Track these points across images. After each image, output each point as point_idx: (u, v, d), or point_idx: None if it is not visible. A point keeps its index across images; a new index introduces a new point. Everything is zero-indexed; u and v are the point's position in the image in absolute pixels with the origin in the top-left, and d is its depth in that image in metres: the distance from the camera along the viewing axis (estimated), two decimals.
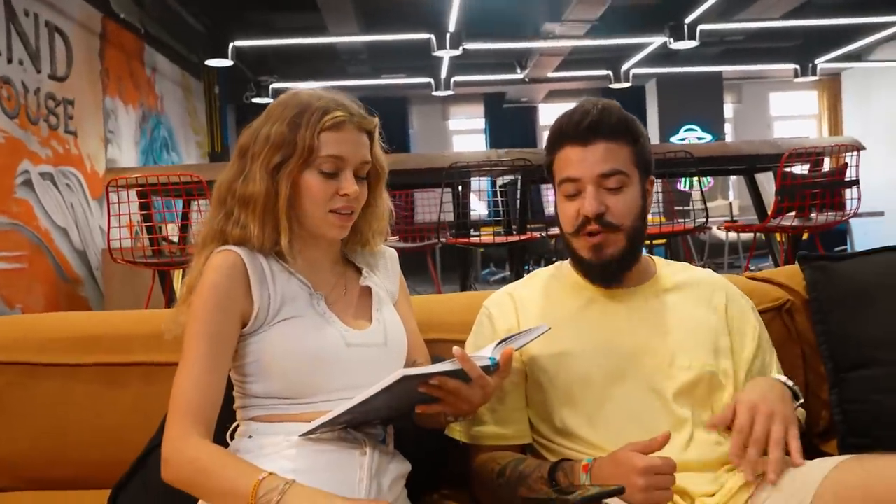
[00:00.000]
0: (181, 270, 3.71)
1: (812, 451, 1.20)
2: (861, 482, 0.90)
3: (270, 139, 1.03)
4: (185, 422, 0.95)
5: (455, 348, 0.94)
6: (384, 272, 1.18)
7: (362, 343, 1.05)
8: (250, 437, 1.02)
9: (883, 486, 0.87)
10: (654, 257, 1.28)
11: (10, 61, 4.21)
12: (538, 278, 1.28)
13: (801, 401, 1.11)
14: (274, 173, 1.03)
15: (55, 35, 4.75)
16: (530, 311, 1.22)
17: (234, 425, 1.06)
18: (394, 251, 1.23)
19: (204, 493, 0.95)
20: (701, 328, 1.17)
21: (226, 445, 1.03)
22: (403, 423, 1.09)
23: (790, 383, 1.11)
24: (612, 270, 1.17)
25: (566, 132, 1.17)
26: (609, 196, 1.14)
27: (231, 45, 6.79)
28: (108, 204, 3.38)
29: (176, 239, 3.94)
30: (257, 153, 1.04)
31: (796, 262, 1.43)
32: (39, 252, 4.46)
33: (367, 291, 1.13)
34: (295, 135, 1.02)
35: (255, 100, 8.50)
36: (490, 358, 0.98)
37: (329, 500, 0.87)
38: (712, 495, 1.05)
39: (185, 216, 3.93)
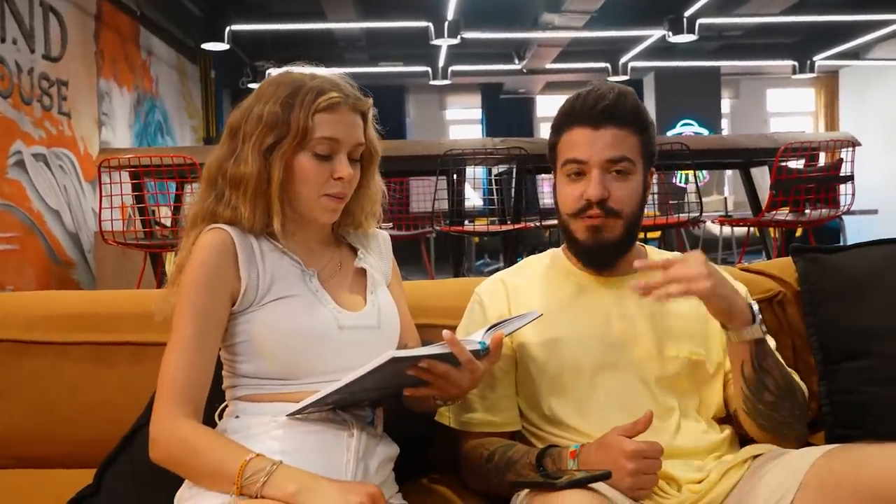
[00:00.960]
0: (173, 253, 3.69)
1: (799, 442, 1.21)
2: (847, 470, 0.90)
3: (263, 119, 1.01)
4: (173, 402, 0.95)
5: (445, 332, 0.94)
6: (378, 254, 1.18)
7: (355, 325, 1.04)
8: (237, 416, 1.01)
9: (869, 474, 0.87)
10: (646, 246, 1.28)
11: (3, 41, 4.17)
12: (531, 265, 1.28)
13: (759, 318, 1.06)
14: (266, 155, 1.01)
15: (50, 15, 4.70)
16: (522, 299, 1.22)
17: (223, 405, 1.06)
18: (387, 234, 1.23)
19: (191, 473, 0.95)
20: (690, 317, 1.17)
21: (214, 425, 1.02)
22: (392, 405, 1.09)
23: (755, 307, 1.07)
24: (606, 255, 1.17)
25: (578, 113, 1.15)
26: (613, 182, 1.14)
27: (228, 29, 6.75)
28: (101, 184, 3.36)
29: (168, 222, 3.93)
30: (249, 133, 1.02)
31: (789, 255, 1.43)
32: (31, 234, 4.43)
33: (362, 272, 1.13)
34: (289, 115, 1.01)
35: (252, 85, 8.44)
36: (480, 342, 0.98)
37: (315, 482, 0.87)
38: (699, 482, 1.05)
39: (178, 198, 3.91)
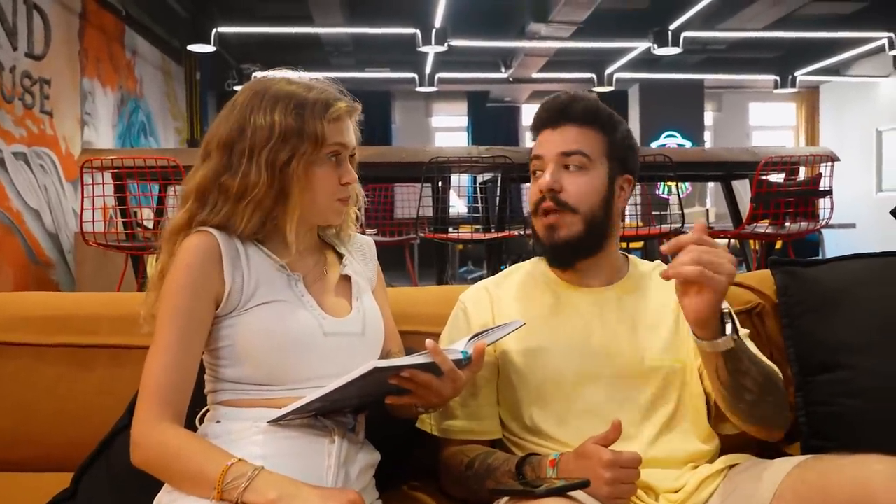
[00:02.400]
0: (155, 255, 3.66)
1: (775, 452, 1.22)
2: (820, 480, 0.91)
3: (276, 132, 1.01)
4: (155, 405, 0.94)
5: (428, 341, 0.94)
6: (363, 260, 1.18)
7: (339, 332, 1.05)
8: (219, 421, 1.01)
9: (843, 484, 0.89)
10: (629, 255, 1.30)
11: None
12: (515, 274, 1.29)
13: (731, 326, 1.00)
14: (282, 167, 1.01)
15: (34, 13, 4.66)
16: (506, 307, 1.22)
17: (204, 409, 1.05)
18: (371, 240, 1.23)
19: (172, 478, 0.94)
20: (671, 327, 1.18)
21: (195, 429, 1.02)
22: (373, 412, 1.09)
23: (726, 310, 1.02)
24: (564, 253, 1.18)
25: (539, 119, 1.21)
26: (567, 175, 1.16)
27: (214, 30, 6.71)
28: (83, 185, 3.32)
29: (151, 224, 3.89)
30: (257, 146, 1.01)
31: (768, 267, 1.45)
32: (10, 233, 4.37)
33: (347, 279, 1.13)
34: (302, 126, 1.02)
35: (237, 87, 8.37)
36: (462, 352, 0.98)
37: (296, 488, 0.87)
38: (676, 492, 1.06)
39: (161, 200, 3.88)
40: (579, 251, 1.18)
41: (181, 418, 0.97)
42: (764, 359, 1.11)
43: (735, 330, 1.00)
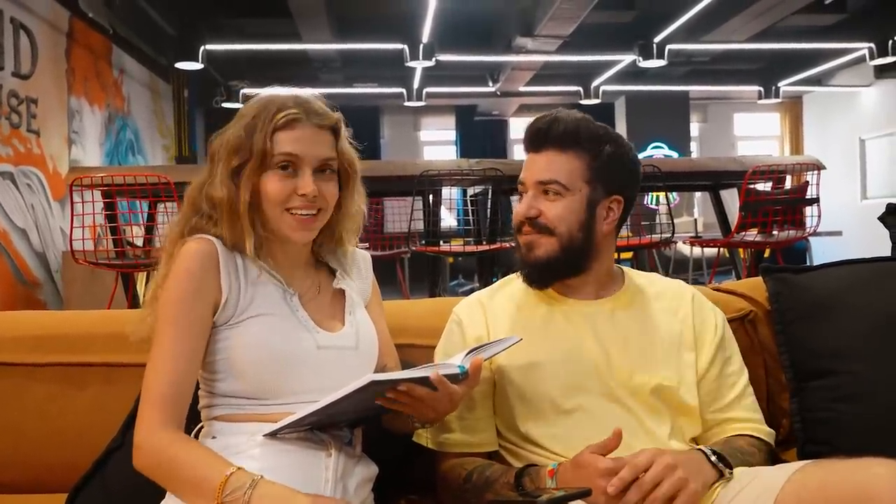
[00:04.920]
0: (145, 273, 3.64)
1: (772, 459, 1.22)
2: (822, 485, 0.91)
3: (230, 143, 1.03)
4: (158, 411, 0.94)
5: (432, 374, 0.93)
6: (357, 274, 1.18)
7: (333, 346, 1.04)
8: (214, 437, 1.00)
9: (841, 488, 0.89)
10: (623, 268, 1.30)
11: None
12: (508, 285, 1.28)
13: (731, 472, 1.03)
14: (234, 177, 1.02)
15: (20, 32, 4.65)
16: (500, 320, 1.22)
17: (199, 426, 1.04)
18: (367, 254, 1.23)
19: (173, 485, 0.94)
20: (664, 341, 1.19)
21: None
22: (370, 427, 1.08)
23: (720, 459, 1.03)
24: (539, 273, 1.19)
25: (525, 139, 1.22)
26: (545, 202, 1.17)
27: (202, 48, 6.72)
28: (72, 203, 3.30)
29: (140, 242, 3.87)
30: (221, 157, 1.04)
31: (759, 274, 1.46)
32: None
33: (341, 293, 1.12)
34: (251, 138, 1.02)
35: (226, 104, 8.40)
36: (459, 367, 0.98)
37: (294, 498, 0.87)
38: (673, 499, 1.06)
39: (151, 217, 3.86)
40: (556, 271, 1.19)
41: (182, 424, 0.97)
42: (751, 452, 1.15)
43: (726, 465, 1.03)
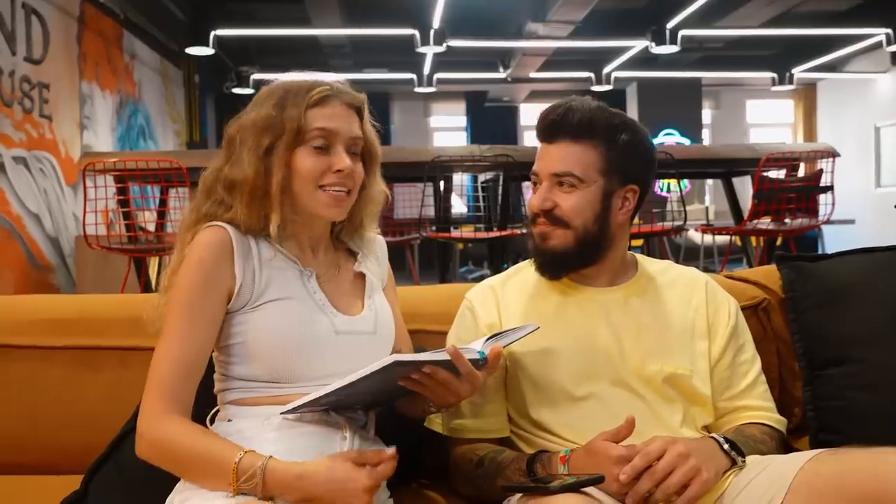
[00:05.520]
0: (157, 258, 3.66)
1: (784, 448, 1.22)
2: (836, 474, 0.91)
3: (258, 122, 1.02)
4: (162, 398, 0.94)
5: (450, 346, 0.94)
6: (375, 259, 1.18)
7: (351, 330, 1.04)
8: (230, 420, 1.01)
9: (858, 478, 0.88)
10: (637, 255, 1.29)
11: None
12: (521, 272, 1.28)
13: (744, 461, 1.04)
14: (265, 157, 1.01)
15: (32, 17, 4.65)
16: (512, 307, 1.22)
17: (214, 410, 1.05)
18: (383, 239, 1.23)
19: (179, 470, 0.95)
20: (677, 329, 1.18)
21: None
22: (384, 411, 1.09)
23: (732, 447, 1.04)
24: (552, 264, 1.18)
25: (538, 130, 1.20)
26: (560, 193, 1.16)
27: (212, 33, 6.71)
28: (85, 188, 3.32)
29: (153, 227, 3.89)
30: (245, 139, 1.03)
31: (773, 262, 1.45)
32: (10, 238, 4.37)
33: (361, 277, 1.12)
34: (282, 114, 1.01)
35: (236, 90, 8.40)
36: (479, 352, 0.98)
37: (305, 469, 0.90)
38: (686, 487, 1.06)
39: (163, 202, 3.87)
40: (570, 263, 1.18)
41: (188, 412, 0.97)
42: (767, 430, 1.17)
43: (739, 453, 1.03)
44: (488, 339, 1.02)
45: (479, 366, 0.98)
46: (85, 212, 3.31)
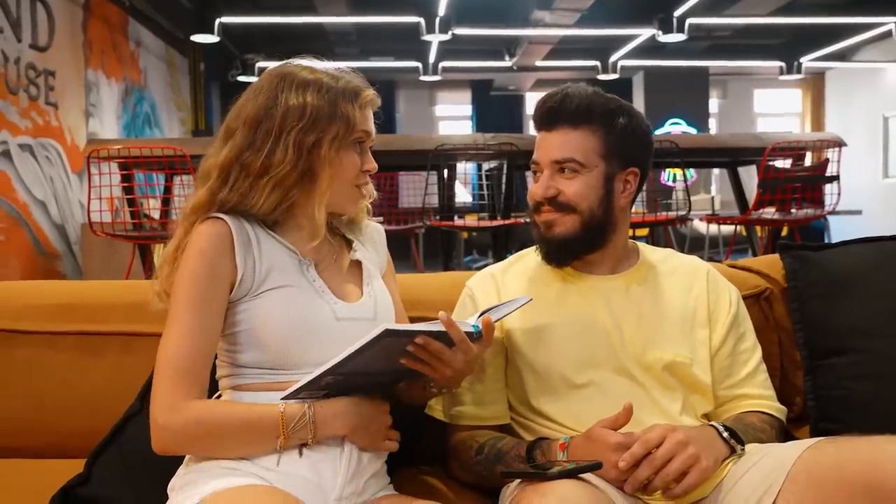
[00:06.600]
0: (162, 245, 3.67)
1: (784, 436, 1.23)
2: (835, 462, 0.91)
3: (307, 113, 1.01)
4: (181, 384, 0.95)
5: (441, 313, 0.95)
6: (372, 247, 1.19)
7: (351, 317, 1.05)
8: None
9: (857, 466, 0.89)
10: (639, 244, 1.29)
11: None
12: (522, 260, 1.29)
13: (743, 449, 1.05)
14: (310, 148, 1.02)
15: (37, 4, 4.65)
16: (513, 293, 1.22)
17: (216, 395, 1.06)
18: (381, 227, 1.23)
19: (215, 447, 0.96)
20: (678, 317, 1.18)
21: None
22: (384, 397, 1.09)
23: (732, 435, 1.05)
24: (559, 251, 1.19)
25: (535, 118, 1.21)
26: (563, 180, 1.16)
27: (217, 21, 6.69)
28: (90, 175, 3.33)
29: (157, 214, 3.90)
30: (286, 127, 1.01)
31: (776, 251, 1.45)
32: (17, 225, 4.39)
33: (357, 265, 1.13)
34: (335, 110, 1.03)
35: (241, 78, 8.39)
36: (473, 325, 0.99)
37: (348, 404, 0.98)
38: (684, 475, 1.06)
39: (168, 190, 3.88)
40: (576, 248, 1.18)
41: (205, 395, 0.98)
42: (766, 420, 1.17)
43: (738, 441, 1.04)
44: (481, 315, 1.02)
45: (473, 339, 0.99)
46: (90, 199, 3.32)
